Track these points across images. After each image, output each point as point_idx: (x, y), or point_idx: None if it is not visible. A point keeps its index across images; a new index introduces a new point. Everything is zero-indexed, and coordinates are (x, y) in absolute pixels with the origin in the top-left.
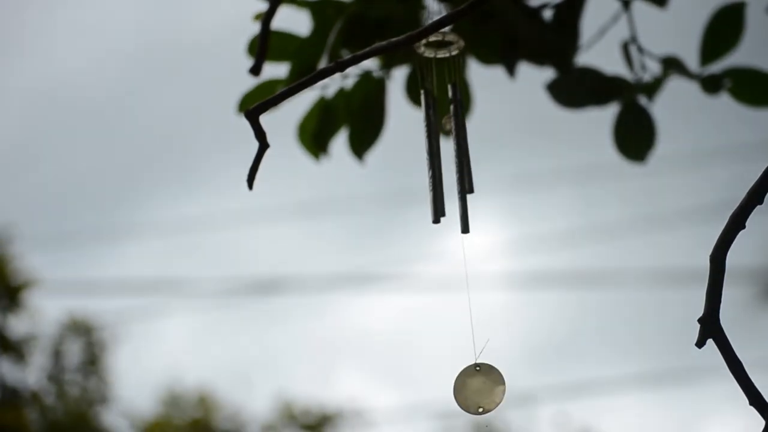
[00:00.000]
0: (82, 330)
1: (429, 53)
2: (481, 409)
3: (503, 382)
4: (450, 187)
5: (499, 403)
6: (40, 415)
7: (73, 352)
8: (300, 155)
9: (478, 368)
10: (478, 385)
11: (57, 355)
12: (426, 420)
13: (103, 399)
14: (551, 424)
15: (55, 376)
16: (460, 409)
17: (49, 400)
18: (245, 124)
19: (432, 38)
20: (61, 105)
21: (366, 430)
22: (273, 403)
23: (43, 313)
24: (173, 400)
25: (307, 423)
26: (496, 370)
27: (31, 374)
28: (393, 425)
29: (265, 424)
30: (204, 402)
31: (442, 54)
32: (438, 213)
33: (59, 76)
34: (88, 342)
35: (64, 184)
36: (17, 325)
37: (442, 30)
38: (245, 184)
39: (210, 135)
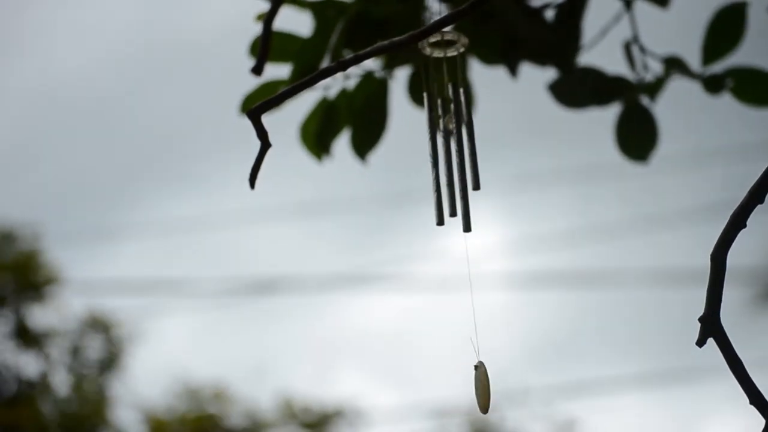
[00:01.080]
0: (101, 326)
1: (437, 53)
2: (486, 411)
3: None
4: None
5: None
6: (55, 409)
7: (92, 348)
8: (300, 155)
9: (476, 367)
10: (487, 387)
11: (75, 350)
12: (425, 420)
13: (117, 394)
14: (543, 422)
15: (72, 371)
16: (476, 407)
17: (65, 394)
18: (247, 124)
19: (433, 38)
20: (61, 105)
21: (365, 429)
22: (273, 402)
23: (64, 308)
24: (183, 397)
25: (307, 421)
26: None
27: (48, 368)
28: (392, 425)
29: (266, 422)
30: (215, 397)
31: (452, 53)
32: (442, 215)
33: (58, 76)
34: (106, 338)
35: (64, 183)
36: (38, 319)
37: (444, 29)
38: (247, 184)
39: (211, 135)
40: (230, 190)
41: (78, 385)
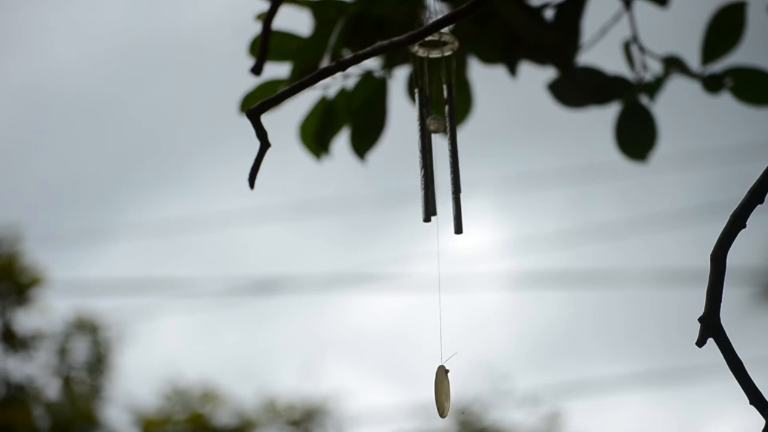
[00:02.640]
0: (88, 328)
1: (423, 53)
2: (442, 413)
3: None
4: (441, 186)
5: (446, 416)
6: (45, 412)
7: (79, 349)
8: (299, 155)
9: (447, 372)
10: (447, 389)
11: (63, 352)
12: (419, 419)
13: (107, 396)
14: (541, 422)
15: (61, 373)
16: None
17: (55, 396)
18: (245, 123)
19: (427, 38)
20: (56, 103)
21: (358, 427)
22: (264, 401)
23: (49, 311)
24: (174, 397)
25: (296, 419)
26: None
27: (36, 371)
28: (389, 424)
29: (257, 421)
30: (206, 397)
31: (436, 54)
32: (429, 212)
33: (49, 74)
34: (94, 340)
35: (60, 182)
36: (24, 322)
37: (441, 30)
38: (246, 184)
39: (209, 134)
40: (230, 189)
41: (67, 387)
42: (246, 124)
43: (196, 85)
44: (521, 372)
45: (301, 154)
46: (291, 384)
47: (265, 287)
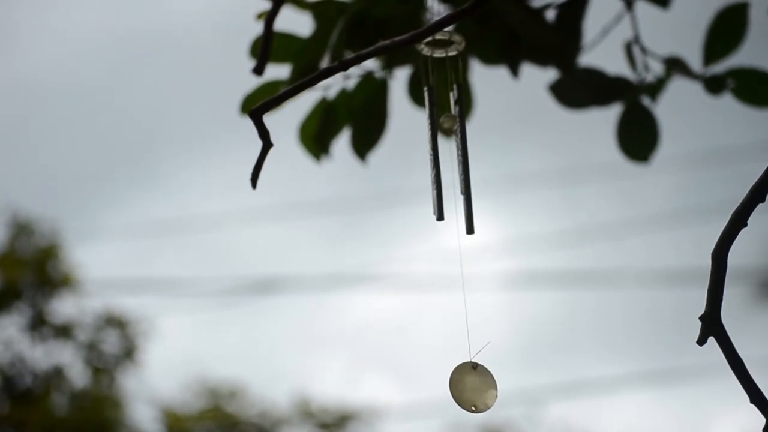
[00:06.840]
0: (116, 322)
1: (431, 52)
2: (473, 408)
3: (496, 387)
4: (447, 186)
5: (491, 406)
6: (70, 403)
7: (109, 343)
8: (299, 154)
9: (474, 367)
10: (474, 384)
11: (90, 345)
12: (433, 419)
13: (131, 390)
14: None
15: (88, 365)
16: (457, 404)
17: (80, 389)
18: (247, 123)
19: (436, 36)
20: (58, 101)
21: (362, 427)
22: (265, 399)
23: (79, 304)
24: (194, 393)
25: (324, 422)
26: (490, 373)
27: (63, 363)
28: (393, 423)
29: (281, 418)
30: (228, 394)
31: (441, 54)
32: (441, 210)
33: (49, 70)
34: (122, 334)
35: (59, 181)
36: (54, 314)
37: (447, 29)
38: (247, 183)
39: (209, 133)
40: (229, 189)
41: (93, 379)
42: (247, 123)
43: (197, 83)
44: (519, 372)
45: (301, 153)
46: (290, 383)
47: (265, 287)
